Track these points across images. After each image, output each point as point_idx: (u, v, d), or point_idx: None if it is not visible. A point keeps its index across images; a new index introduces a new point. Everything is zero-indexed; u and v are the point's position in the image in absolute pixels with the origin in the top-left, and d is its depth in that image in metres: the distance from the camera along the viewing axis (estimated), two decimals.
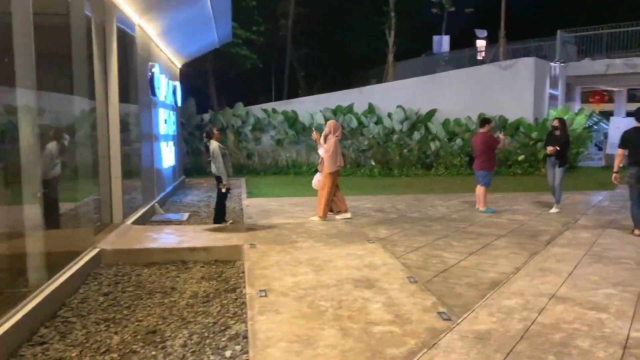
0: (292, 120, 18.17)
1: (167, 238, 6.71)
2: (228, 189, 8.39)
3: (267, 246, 6.33)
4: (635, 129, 7.63)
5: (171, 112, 12.54)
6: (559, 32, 20.61)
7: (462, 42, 28.90)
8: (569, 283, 5.21)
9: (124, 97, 8.29)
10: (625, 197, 11.61)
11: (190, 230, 7.35)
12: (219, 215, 8.54)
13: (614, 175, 7.89)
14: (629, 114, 25.16)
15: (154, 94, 9.85)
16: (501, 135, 10.23)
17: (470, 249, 6.69)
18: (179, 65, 14.85)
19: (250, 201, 11.26)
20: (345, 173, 17.20)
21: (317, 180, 9.53)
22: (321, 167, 8.86)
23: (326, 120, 18.09)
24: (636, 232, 7.58)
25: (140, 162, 8.98)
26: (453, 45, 29.01)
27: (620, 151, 7.74)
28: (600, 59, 20.31)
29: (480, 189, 9.68)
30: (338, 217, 8.73)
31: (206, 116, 18.69)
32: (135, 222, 7.95)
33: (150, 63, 9.75)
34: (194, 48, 14.41)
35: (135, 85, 8.74)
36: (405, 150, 17.46)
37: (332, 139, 8.63)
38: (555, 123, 9.54)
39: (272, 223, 8.24)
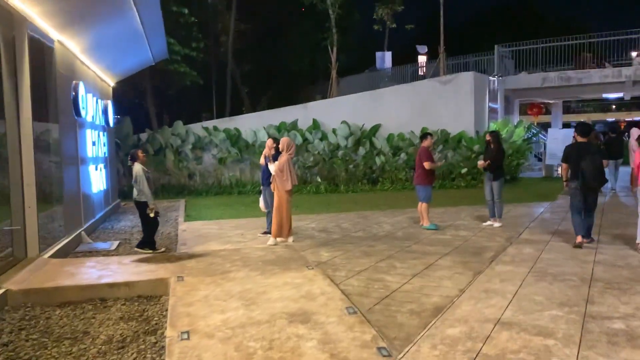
0: (234, 138, 17.65)
1: (86, 273, 6.09)
2: (157, 213, 7.80)
3: (196, 278, 5.82)
4: (575, 144, 7.78)
5: (101, 133, 11.81)
6: (496, 47, 21.13)
7: (405, 58, 29.32)
8: (514, 305, 4.98)
9: (41, 117, 7.63)
10: (566, 208, 11.80)
11: (115, 262, 6.73)
12: (149, 243, 7.93)
13: (565, 183, 7.98)
14: (565, 126, 26.16)
15: (78, 114, 9.16)
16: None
17: (414, 270, 6.42)
18: (112, 83, 14.10)
19: (187, 225, 10.66)
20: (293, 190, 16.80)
21: (262, 201, 9.13)
22: (273, 186, 8.45)
23: (269, 137, 17.75)
24: (578, 239, 7.60)
25: (63, 187, 8.27)
26: (396, 61, 29.37)
27: (564, 165, 7.88)
28: (536, 73, 20.92)
29: (422, 205, 9.50)
30: (276, 240, 8.32)
31: (143, 136, 17.88)
32: (55, 255, 7.25)
33: (74, 82, 9.07)
34: (126, 65, 13.72)
35: (55, 105, 8.07)
36: (351, 166, 17.26)
37: (284, 157, 8.27)
38: (488, 137, 9.57)
39: (206, 250, 7.73)
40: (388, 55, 29.68)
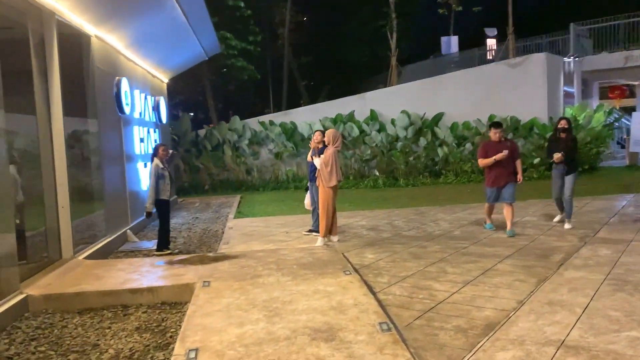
0: (290, 132, 17.27)
1: (112, 277, 5.82)
2: (149, 214, 7.49)
3: (224, 283, 5.38)
4: None
5: (152, 130, 11.74)
6: (572, 25, 19.40)
7: (472, 42, 27.76)
8: (584, 323, 4.16)
9: (79, 115, 7.50)
10: None
11: (147, 265, 6.44)
12: (162, 242, 7.64)
13: None
14: None
15: (121, 111, 9.03)
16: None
17: (466, 277, 5.66)
18: (165, 80, 14.08)
19: (235, 222, 10.35)
20: (348, 185, 16.24)
21: (308, 198, 8.62)
22: (319, 181, 7.92)
23: (326, 130, 17.22)
24: None
25: (104, 185, 8.14)
26: (462, 46, 27.91)
27: None
28: (617, 52, 19.02)
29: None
30: (324, 239, 7.77)
31: (202, 132, 17.90)
32: (93, 256, 7.09)
33: (116, 78, 8.94)
34: (178, 60, 13.62)
35: (93, 101, 7.92)
36: (411, 158, 16.39)
37: (330, 150, 7.72)
38: (563, 124, 8.09)
39: (245, 250, 7.31)
40: (454, 39, 28.26)
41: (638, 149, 17.24)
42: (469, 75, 17.80)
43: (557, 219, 8.60)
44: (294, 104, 24.51)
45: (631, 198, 10.99)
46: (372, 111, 17.51)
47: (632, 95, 26.67)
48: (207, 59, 14.88)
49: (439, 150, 16.23)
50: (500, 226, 8.24)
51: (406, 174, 16.37)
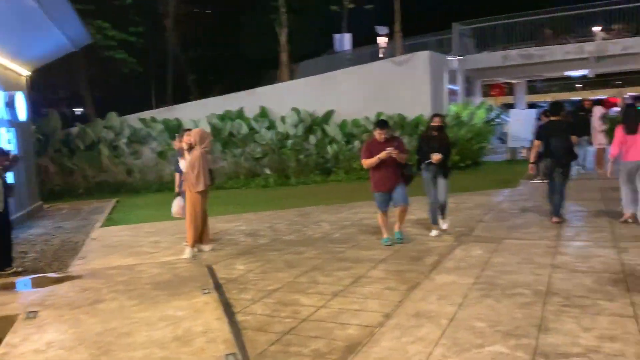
0: (174, 129, 16.22)
1: None
2: None
3: (54, 313, 4.56)
4: (547, 122, 8.23)
5: (3, 129, 10.31)
6: (454, 24, 20.09)
7: (366, 40, 28.07)
8: (448, 338, 3.88)
9: None
10: (527, 196, 10.86)
11: None
12: (2, 258, 6.60)
13: (530, 165, 8.34)
14: (530, 106, 25.37)
15: None
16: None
17: (336, 287, 5.27)
18: (25, 72, 12.53)
19: (101, 232, 9.33)
20: (238, 185, 15.58)
21: (179, 206, 7.84)
22: (186, 186, 7.18)
23: (212, 127, 16.41)
24: (554, 219, 7.73)
25: None
26: (356, 44, 28.13)
27: (536, 142, 8.00)
28: (497, 51, 19.98)
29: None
30: (194, 250, 7.09)
31: (74, 130, 16.32)
32: None
33: None
34: (38, 51, 12.15)
35: None
36: (302, 156, 16.04)
37: (197, 151, 7.01)
38: (437, 121, 7.34)
39: (96, 268, 6.45)
40: (347, 37, 28.39)
41: (516, 144, 18.14)
42: (358, 73, 17.79)
43: (434, 233, 7.48)
44: (183, 100, 23.29)
45: (507, 193, 11.35)
46: (262, 108, 16.95)
47: (511, 92, 28.41)
48: (76, 50, 13.48)
49: (329, 148, 16.02)
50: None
51: (297, 172, 15.99)
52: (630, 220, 7.35)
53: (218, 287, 5.39)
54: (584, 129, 13.02)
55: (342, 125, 16.68)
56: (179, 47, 24.07)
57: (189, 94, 25.24)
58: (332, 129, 16.61)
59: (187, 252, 6.99)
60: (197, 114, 16.81)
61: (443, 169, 7.33)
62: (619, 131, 7.39)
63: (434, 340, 3.86)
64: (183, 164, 7.23)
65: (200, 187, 6.95)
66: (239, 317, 4.56)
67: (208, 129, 16.37)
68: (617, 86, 43.63)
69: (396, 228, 7.10)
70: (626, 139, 7.23)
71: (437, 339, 3.86)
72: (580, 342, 3.65)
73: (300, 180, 15.64)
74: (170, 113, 16.94)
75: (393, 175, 6.93)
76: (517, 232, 7.43)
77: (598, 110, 12.86)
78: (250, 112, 16.96)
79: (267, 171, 16.28)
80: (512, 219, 8.36)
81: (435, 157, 7.15)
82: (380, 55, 25.90)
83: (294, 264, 6.29)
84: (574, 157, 7.94)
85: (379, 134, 6.92)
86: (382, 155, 6.74)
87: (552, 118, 8.03)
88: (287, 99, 17.11)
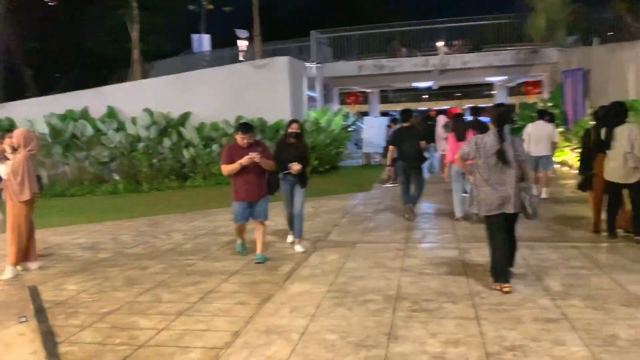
0: (3, 129, 14.29)
1: None
2: None
3: None
4: (400, 128, 8.95)
5: None
6: (312, 32, 20.43)
7: (226, 42, 27.48)
8: (299, 354, 3.66)
9: None
10: (379, 199, 11.25)
11: None
12: None
13: (387, 168, 9.18)
14: (383, 114, 26.71)
15: None
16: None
17: (182, 305, 4.81)
18: None
19: None
20: (82, 192, 14.19)
21: None
22: (7, 194, 6.14)
23: (52, 128, 14.78)
24: (409, 215, 8.53)
25: None
26: (215, 45, 27.43)
27: (391, 147, 8.69)
28: (353, 61, 20.70)
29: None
30: (18, 268, 6.11)
31: None
32: None
33: None
34: None
35: None
36: (155, 160, 15.07)
37: (20, 155, 6.02)
38: (294, 127, 6.87)
39: None
40: (206, 38, 27.59)
41: (370, 150, 18.91)
42: (217, 74, 17.26)
43: (290, 239, 7.21)
44: (18, 97, 20.74)
45: (362, 196, 11.66)
46: (109, 108, 15.65)
47: (366, 101, 29.74)
48: None
49: (185, 152, 15.26)
50: (252, 247, 6.77)
51: (150, 178, 14.99)
52: (461, 219, 8.07)
53: (40, 312, 4.63)
54: (431, 136, 13.91)
55: (200, 129, 16.03)
56: (14, 37, 21.41)
57: (25, 91, 22.57)
58: (188, 132, 15.86)
59: (8, 272, 6.00)
60: (34, 112, 15.03)
61: (301, 178, 6.84)
62: (451, 139, 8.21)
63: (283, 358, 3.61)
64: (3, 169, 6.22)
65: (26, 196, 6.02)
66: (63, 348, 3.91)
67: (46, 130, 14.74)
68: (458, 98, 48.06)
69: (258, 251, 6.39)
70: (457, 146, 7.40)
71: (287, 357, 3.62)
72: (427, 349, 3.64)
73: (154, 187, 14.67)
74: (0, 111, 14.92)
75: (256, 183, 6.33)
76: (370, 235, 7.56)
77: (442, 119, 13.79)
78: (97, 112, 15.58)
79: (116, 177, 15.06)
80: (366, 222, 8.53)
81: (294, 167, 6.65)
82: (241, 59, 25.54)
83: (136, 280, 5.68)
84: (424, 159, 8.81)
85: (241, 138, 6.24)
86: (244, 160, 6.10)
87: (404, 125, 8.76)
88: (139, 100, 16.02)
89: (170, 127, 15.91)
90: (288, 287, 5.22)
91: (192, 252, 6.98)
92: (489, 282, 4.94)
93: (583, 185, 7.25)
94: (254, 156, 6.07)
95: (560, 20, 17.14)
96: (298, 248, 6.81)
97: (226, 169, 6.36)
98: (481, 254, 5.84)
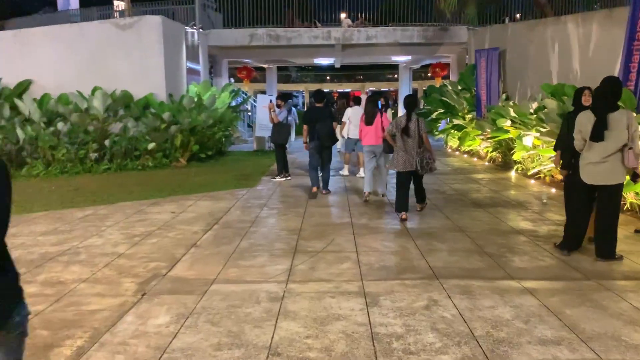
0: None
1: None
2: None
3: None
4: (314, 108, 8.99)
5: None
6: None
7: (100, 0, 23.49)
8: None
9: None
10: (263, 199, 8.86)
11: None
12: None
13: (305, 145, 8.90)
14: (284, 96, 24.18)
15: None
16: None
17: None
18: None
19: None
20: None
21: None
22: None
23: None
24: (314, 189, 8.73)
25: None
26: (86, 3, 23.33)
27: (305, 126, 8.77)
28: (243, 28, 17.94)
29: None
30: None
31: None
32: None
33: None
34: None
35: None
36: None
37: None
38: None
39: None
40: None
41: (263, 134, 16.38)
42: (67, 34, 13.79)
43: None
44: None
45: (244, 194, 9.18)
46: None
47: (265, 80, 27.04)
48: None
49: (19, 132, 11.81)
50: None
51: None
52: (367, 198, 8.28)
53: None
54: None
55: (43, 101, 12.59)
56: None
57: None
58: (27, 105, 12.38)
59: None
60: None
61: None
62: (361, 122, 8.44)
63: None
64: None
65: None
66: None
67: None
68: (360, 80, 46.79)
69: None
70: (365, 129, 8.26)
71: None
72: None
73: None
74: None
75: None
76: (237, 265, 5.12)
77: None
78: None
79: None
80: (237, 239, 6.08)
81: None
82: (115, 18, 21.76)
83: None
84: (335, 140, 8.93)
85: None
86: None
87: (317, 105, 8.97)
88: None
89: (2, 98, 12.33)
90: None
91: None
92: None
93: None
94: None
95: None
96: None
97: None
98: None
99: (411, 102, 7.02)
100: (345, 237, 6.14)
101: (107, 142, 12.34)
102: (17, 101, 12.35)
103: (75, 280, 4.67)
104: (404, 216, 6.85)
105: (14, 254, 5.47)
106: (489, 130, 12.80)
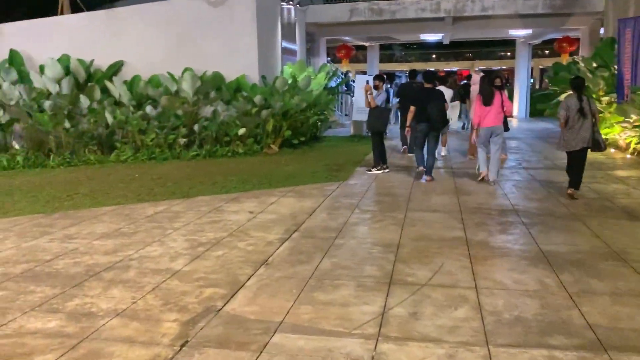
0: None
1: None
2: None
3: None
4: (424, 89, 8.78)
5: None
6: None
7: None
8: None
9: None
10: (355, 199, 7.55)
11: None
12: None
13: (407, 129, 8.93)
14: (387, 75, 22.61)
15: None
16: None
17: None
18: None
19: None
20: None
21: None
22: None
23: None
24: (420, 168, 8.63)
25: None
26: None
27: (412, 108, 8.38)
28: (342, 3, 16.56)
29: None
30: None
31: None
32: None
33: None
34: None
35: None
36: (68, 125, 11.30)
37: None
38: None
39: None
40: None
41: (360, 118, 15.00)
42: (154, 12, 13.17)
43: None
44: None
45: (332, 191, 7.93)
46: (13, 52, 11.78)
47: (365, 59, 25.50)
48: None
49: (108, 116, 11.43)
50: None
51: (63, 148, 11.29)
52: (485, 177, 8.13)
53: None
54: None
55: (132, 83, 12.18)
56: None
57: None
58: (117, 88, 12.02)
59: None
60: None
61: None
62: (478, 103, 8.06)
63: None
64: None
65: None
66: None
67: None
68: (469, 59, 43.72)
69: None
70: (483, 110, 7.98)
71: None
72: None
73: (65, 160, 10.97)
74: None
75: None
76: (312, 300, 3.86)
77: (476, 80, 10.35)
78: None
79: (16, 146, 11.34)
80: (318, 255, 4.83)
81: None
82: None
83: None
84: (447, 122, 8.88)
85: None
86: None
87: (426, 85, 8.70)
88: (55, 43, 12.15)
89: (95, 80, 12.08)
90: None
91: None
92: None
93: None
94: None
95: None
96: None
97: None
98: None
99: (581, 83, 7.05)
100: (457, 261, 4.67)
101: (196, 127, 11.68)
102: (107, 83, 12.03)
103: (108, 313, 3.68)
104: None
105: (59, 264, 4.65)
106: (633, 117, 10.51)
